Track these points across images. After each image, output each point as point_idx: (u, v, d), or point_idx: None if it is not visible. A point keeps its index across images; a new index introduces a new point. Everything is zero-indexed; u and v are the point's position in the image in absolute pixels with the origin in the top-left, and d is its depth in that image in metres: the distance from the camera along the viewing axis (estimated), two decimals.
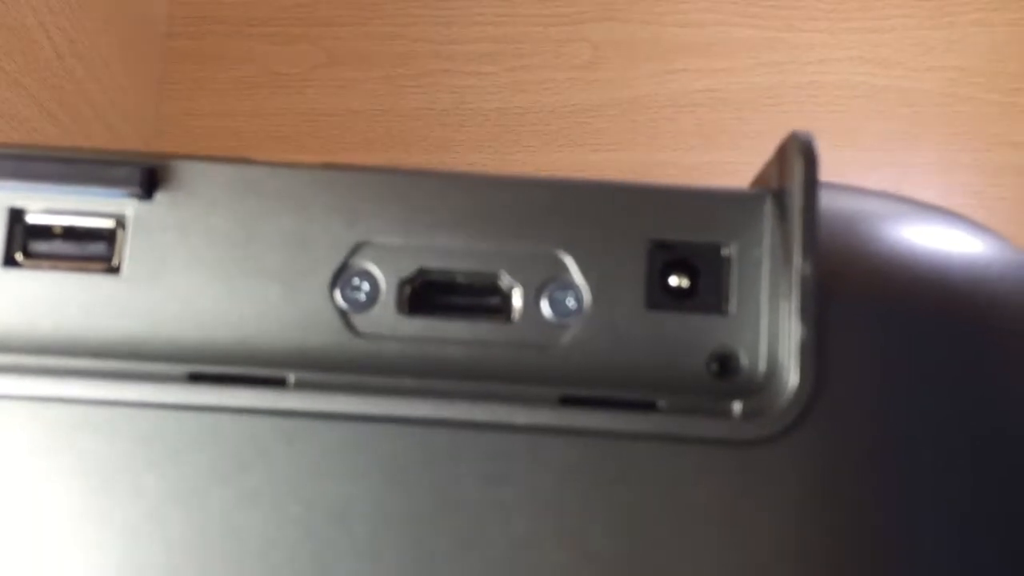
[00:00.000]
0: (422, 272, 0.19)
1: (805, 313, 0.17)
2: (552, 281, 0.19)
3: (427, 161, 0.65)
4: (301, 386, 0.18)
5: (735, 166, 0.63)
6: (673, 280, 0.19)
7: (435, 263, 0.19)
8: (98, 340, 0.19)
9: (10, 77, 0.51)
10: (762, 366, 0.18)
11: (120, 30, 0.62)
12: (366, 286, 0.19)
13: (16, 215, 0.19)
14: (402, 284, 0.19)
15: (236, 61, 0.67)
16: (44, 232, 0.19)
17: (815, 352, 0.17)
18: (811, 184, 0.18)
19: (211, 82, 0.67)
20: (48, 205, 0.19)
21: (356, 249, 0.19)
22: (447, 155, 0.65)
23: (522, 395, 0.18)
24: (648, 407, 0.18)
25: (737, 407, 0.18)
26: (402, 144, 0.65)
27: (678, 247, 0.19)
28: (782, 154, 0.19)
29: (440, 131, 0.65)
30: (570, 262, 0.19)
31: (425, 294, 0.19)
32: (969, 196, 0.63)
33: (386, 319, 0.19)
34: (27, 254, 0.19)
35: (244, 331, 0.19)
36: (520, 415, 0.18)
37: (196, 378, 0.18)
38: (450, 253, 0.19)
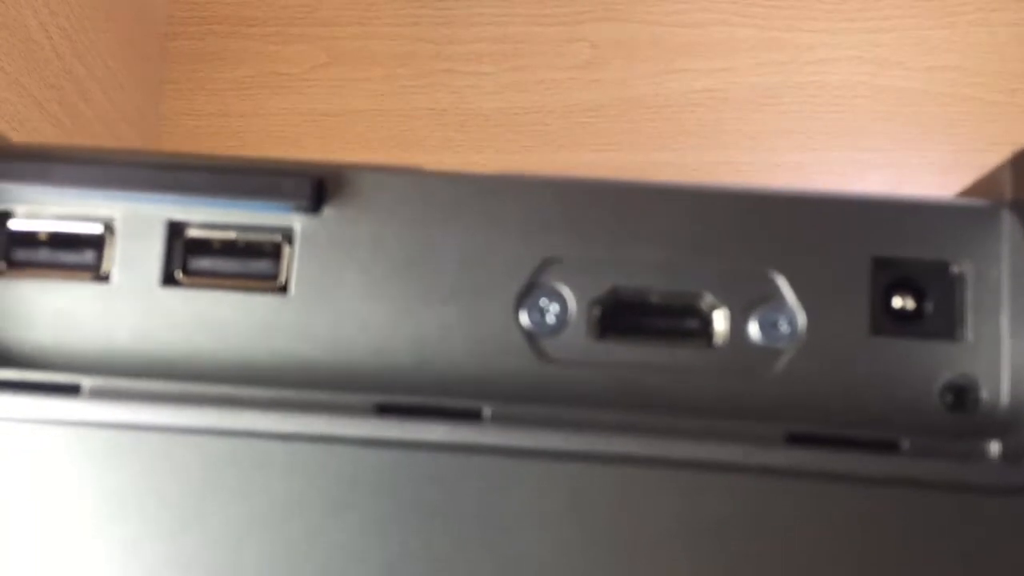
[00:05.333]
0: (615, 291, 0.17)
1: None
2: (762, 302, 0.17)
3: (427, 161, 0.65)
4: (498, 419, 0.16)
5: (735, 166, 0.63)
6: (897, 301, 0.17)
7: (630, 281, 0.17)
8: (267, 366, 0.17)
9: (10, 77, 0.50)
10: (1005, 399, 0.16)
11: (120, 30, 0.62)
12: (555, 307, 0.17)
13: (176, 229, 0.18)
14: (592, 304, 0.17)
15: (236, 61, 0.67)
16: (205, 248, 0.18)
17: None
18: None
19: (211, 82, 0.67)
20: (209, 219, 0.18)
21: (543, 266, 0.17)
22: (447, 155, 0.65)
23: (743, 432, 0.16)
24: (889, 447, 0.16)
25: (995, 447, 0.15)
26: (402, 144, 0.65)
27: (902, 265, 0.17)
28: (1021, 163, 0.17)
29: (440, 131, 0.65)
30: (782, 281, 0.17)
31: (616, 315, 0.17)
32: None
33: (577, 343, 0.17)
34: (187, 271, 0.18)
35: (423, 356, 0.17)
36: (745, 455, 0.16)
37: (385, 410, 0.16)
38: (647, 271, 0.17)
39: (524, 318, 0.17)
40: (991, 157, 0.65)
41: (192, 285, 0.18)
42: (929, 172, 0.63)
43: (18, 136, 0.51)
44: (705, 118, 0.65)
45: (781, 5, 0.65)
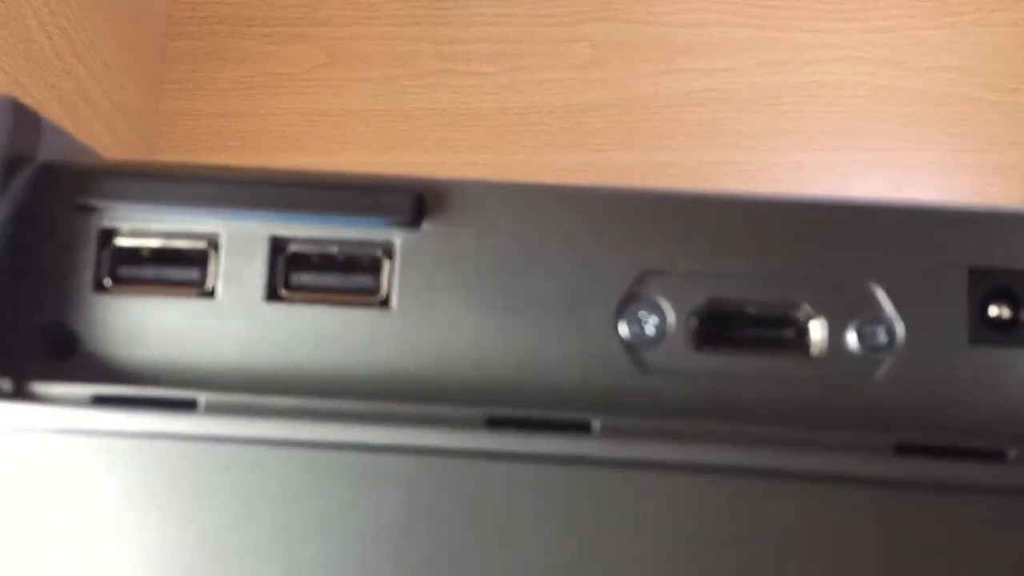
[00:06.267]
0: (713, 303, 0.17)
1: None
2: (860, 312, 0.17)
3: (427, 161, 0.65)
4: (608, 432, 0.16)
5: (735, 166, 0.63)
6: (993, 311, 0.17)
7: (728, 293, 0.17)
8: (374, 379, 0.17)
9: (10, 77, 0.50)
10: None
11: (120, 30, 0.62)
12: (653, 318, 0.17)
13: (278, 245, 0.18)
14: (690, 316, 0.17)
15: (236, 61, 0.67)
16: (306, 263, 0.18)
17: None
18: None
19: (211, 82, 0.67)
20: (311, 234, 0.18)
21: (641, 278, 0.17)
22: (447, 155, 0.65)
23: (851, 442, 0.16)
24: (996, 456, 0.16)
25: None
26: (402, 144, 0.65)
27: (998, 274, 0.17)
28: None
29: (440, 131, 0.65)
30: (880, 292, 0.17)
31: (713, 326, 0.17)
32: (969, 196, 0.63)
33: (676, 354, 0.17)
34: (288, 286, 0.18)
35: (524, 368, 0.17)
36: (857, 465, 0.16)
37: (495, 423, 0.17)
38: (744, 282, 0.17)
39: (623, 329, 0.17)
40: (991, 157, 0.65)
41: (295, 300, 0.18)
42: (929, 172, 0.63)
43: None
44: (705, 118, 0.65)
45: (781, 5, 0.66)
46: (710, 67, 0.65)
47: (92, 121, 0.59)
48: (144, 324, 0.18)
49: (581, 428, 0.16)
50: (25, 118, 0.19)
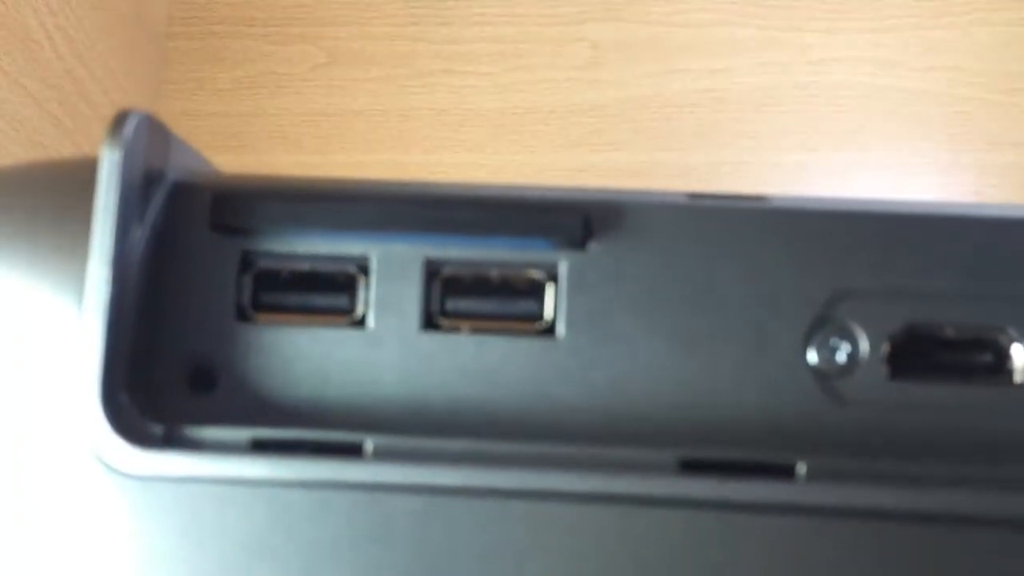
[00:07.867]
0: (910, 327, 0.16)
1: None
2: None
3: (427, 161, 0.65)
4: (814, 476, 0.15)
5: (735, 166, 0.63)
6: None
7: (925, 316, 0.16)
8: (547, 418, 0.16)
9: (10, 77, 0.51)
10: None
11: (120, 30, 0.62)
12: (845, 344, 0.16)
13: (432, 268, 0.16)
14: (885, 341, 0.16)
15: (236, 61, 0.67)
16: (462, 287, 0.16)
17: None
18: None
19: (211, 82, 0.67)
20: (468, 256, 0.16)
21: (832, 300, 0.16)
22: (447, 155, 0.65)
23: None
24: None
25: None
26: (402, 144, 0.65)
27: None
28: None
29: (440, 131, 0.65)
30: None
31: (910, 352, 0.16)
32: (969, 196, 0.63)
33: (872, 383, 0.15)
34: (445, 314, 0.16)
35: (708, 401, 0.15)
36: None
37: (690, 466, 0.15)
38: (943, 304, 0.16)
39: (812, 356, 0.16)
40: (991, 157, 0.65)
41: (453, 329, 0.16)
42: (929, 172, 0.63)
43: (18, 136, 0.51)
44: (705, 118, 0.65)
45: (781, 5, 0.66)
46: (710, 67, 0.65)
47: (92, 121, 0.59)
48: (290, 356, 0.16)
49: (785, 472, 0.15)
50: (158, 134, 0.17)
